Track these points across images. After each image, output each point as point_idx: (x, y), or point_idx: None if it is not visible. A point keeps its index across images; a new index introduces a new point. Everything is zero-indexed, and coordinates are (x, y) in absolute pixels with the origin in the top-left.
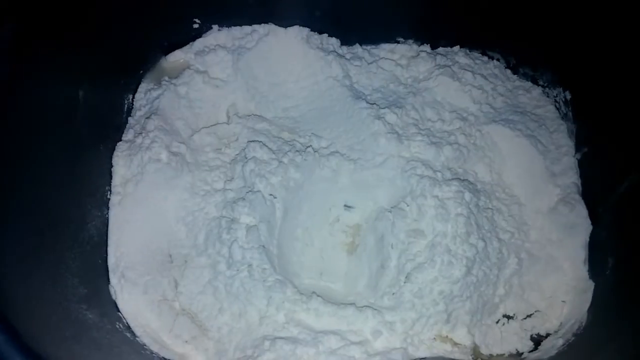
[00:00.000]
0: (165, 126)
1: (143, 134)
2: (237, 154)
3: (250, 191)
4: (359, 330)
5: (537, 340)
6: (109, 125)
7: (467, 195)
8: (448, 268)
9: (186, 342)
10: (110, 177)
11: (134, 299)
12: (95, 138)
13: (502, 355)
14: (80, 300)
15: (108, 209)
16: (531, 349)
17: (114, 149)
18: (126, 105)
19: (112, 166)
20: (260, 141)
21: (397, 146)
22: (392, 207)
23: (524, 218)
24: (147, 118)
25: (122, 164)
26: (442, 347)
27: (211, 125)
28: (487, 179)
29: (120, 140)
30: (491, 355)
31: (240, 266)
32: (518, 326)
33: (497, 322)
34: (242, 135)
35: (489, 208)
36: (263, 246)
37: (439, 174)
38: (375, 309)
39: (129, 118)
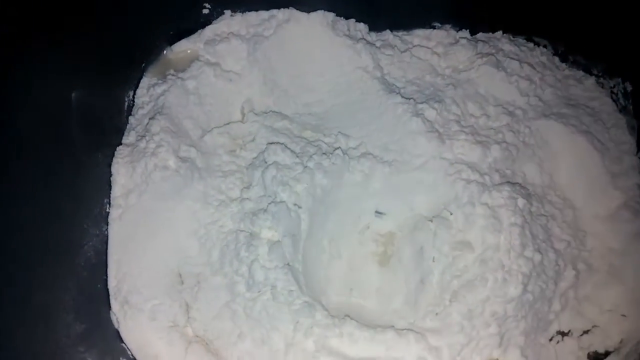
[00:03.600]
0: (172, 127)
1: (147, 137)
2: (254, 158)
3: (272, 202)
4: (400, 358)
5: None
6: (107, 127)
7: (521, 202)
8: (502, 286)
9: None
10: (110, 187)
11: (140, 326)
12: (91, 143)
13: None
14: (77, 342)
15: (107, 225)
16: None
17: (112, 155)
18: (126, 103)
19: (111, 175)
20: (282, 143)
21: (438, 147)
22: (433, 216)
23: (580, 224)
24: (151, 118)
25: (123, 172)
26: None
27: (224, 125)
28: (537, 181)
29: (120, 144)
30: None
31: (263, 288)
32: (574, 344)
33: (551, 340)
34: (260, 135)
35: (542, 214)
36: (288, 264)
37: (487, 178)
38: (418, 332)
39: (130, 118)
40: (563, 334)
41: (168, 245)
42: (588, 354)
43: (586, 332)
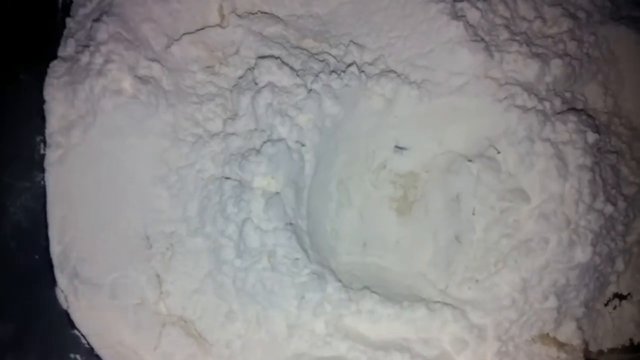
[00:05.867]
0: (126, 34)
1: (91, 48)
2: (240, 77)
3: (268, 140)
4: (433, 340)
5: None
6: (32, 33)
7: (591, 136)
8: (568, 249)
9: None
10: (43, 120)
11: (97, 306)
12: (9, 57)
13: (615, 349)
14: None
15: (43, 173)
16: None
17: (44, 74)
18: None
19: (43, 102)
20: (276, 57)
21: (485, 61)
22: (476, 155)
23: None
24: (96, 20)
25: (61, 98)
26: (545, 351)
27: (197, 30)
28: (600, 106)
29: (56, 57)
30: (601, 352)
31: (257, 255)
32: (635, 309)
33: (607, 305)
34: (245, 45)
35: (609, 151)
36: (290, 223)
37: (547, 104)
38: (456, 308)
39: (67, 19)
40: (621, 297)
41: (128, 197)
42: None
43: None
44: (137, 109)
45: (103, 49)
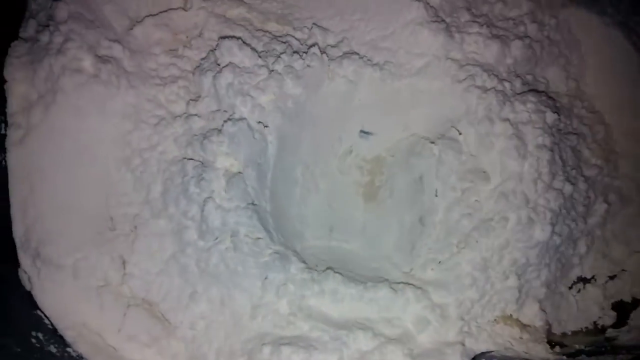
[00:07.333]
0: (87, 14)
1: (51, 27)
2: (202, 58)
3: (229, 119)
4: (395, 319)
5: (623, 310)
6: None
7: (550, 116)
8: (526, 228)
9: (146, 345)
10: (4, 100)
11: (60, 287)
12: None
13: (578, 332)
14: None
15: (5, 153)
16: (615, 320)
17: (5, 54)
18: None
19: (4, 82)
20: (238, 37)
21: (445, 43)
22: (437, 137)
23: (611, 144)
24: (56, 0)
25: (22, 78)
26: (507, 332)
27: (160, 12)
28: (562, 89)
29: (18, 38)
30: (564, 334)
31: (220, 235)
32: (598, 292)
33: (571, 288)
34: (208, 27)
35: (570, 132)
36: (253, 203)
37: (507, 85)
38: (418, 288)
39: (29, 0)
40: (585, 280)
41: (91, 178)
42: (613, 303)
43: (612, 277)
44: (98, 88)
45: (62, 28)
